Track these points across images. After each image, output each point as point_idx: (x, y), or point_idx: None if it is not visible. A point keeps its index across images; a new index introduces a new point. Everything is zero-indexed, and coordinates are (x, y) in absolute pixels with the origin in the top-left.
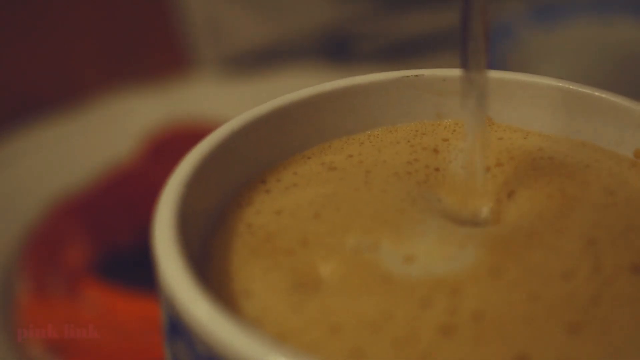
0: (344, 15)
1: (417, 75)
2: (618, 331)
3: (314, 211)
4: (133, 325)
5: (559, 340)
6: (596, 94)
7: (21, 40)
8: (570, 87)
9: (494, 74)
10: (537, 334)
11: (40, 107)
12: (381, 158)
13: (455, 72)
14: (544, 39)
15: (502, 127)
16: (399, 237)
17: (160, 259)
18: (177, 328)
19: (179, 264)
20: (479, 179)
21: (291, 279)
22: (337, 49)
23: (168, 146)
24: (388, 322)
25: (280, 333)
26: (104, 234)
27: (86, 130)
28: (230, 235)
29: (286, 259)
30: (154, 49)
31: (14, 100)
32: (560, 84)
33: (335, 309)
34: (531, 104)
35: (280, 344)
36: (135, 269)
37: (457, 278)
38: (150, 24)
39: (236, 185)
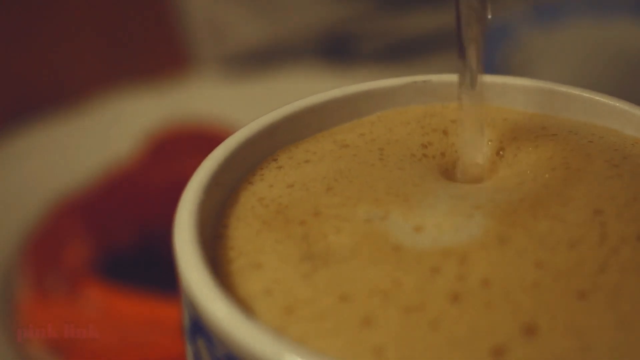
0: (344, 15)
1: (425, 81)
2: (626, 297)
3: (327, 184)
4: (133, 325)
5: (567, 307)
6: (596, 97)
7: (21, 40)
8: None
9: (497, 79)
10: (546, 301)
11: (40, 107)
12: (393, 137)
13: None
14: (544, 39)
15: (506, 109)
16: (409, 208)
17: (180, 261)
18: (198, 328)
19: (199, 265)
20: (483, 150)
21: (302, 249)
22: (337, 48)
23: (168, 146)
24: (397, 290)
25: (290, 303)
26: (104, 234)
27: (86, 130)
28: (242, 208)
29: (297, 229)
30: (154, 49)
31: (14, 100)
32: (563, 88)
33: (345, 277)
34: (533, 102)
35: (296, 344)
36: (135, 269)
37: (465, 247)
38: (150, 24)
39: (249, 166)
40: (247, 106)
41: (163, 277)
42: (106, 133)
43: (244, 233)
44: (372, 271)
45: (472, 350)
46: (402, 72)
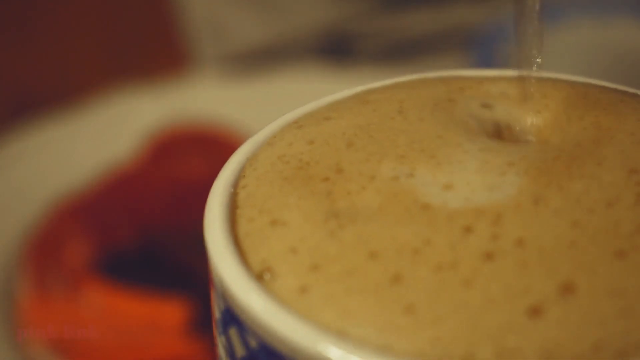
0: (344, 14)
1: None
2: None
3: (347, 140)
4: (134, 325)
5: (605, 266)
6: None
7: (21, 40)
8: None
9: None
10: (583, 261)
11: (41, 107)
12: (415, 92)
13: (471, 73)
14: (545, 40)
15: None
16: (436, 164)
17: (212, 254)
18: (230, 318)
19: (231, 257)
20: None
21: (326, 206)
22: (338, 48)
23: (168, 146)
24: (428, 249)
25: (317, 261)
26: (104, 234)
27: (86, 130)
28: (264, 166)
29: (320, 186)
30: (155, 49)
31: (14, 100)
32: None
33: (373, 235)
34: None
35: (328, 334)
36: (136, 269)
37: (498, 206)
38: (151, 24)
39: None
40: (247, 106)
41: (164, 276)
42: (106, 133)
43: (265, 190)
44: (400, 230)
45: (507, 308)
46: (403, 72)
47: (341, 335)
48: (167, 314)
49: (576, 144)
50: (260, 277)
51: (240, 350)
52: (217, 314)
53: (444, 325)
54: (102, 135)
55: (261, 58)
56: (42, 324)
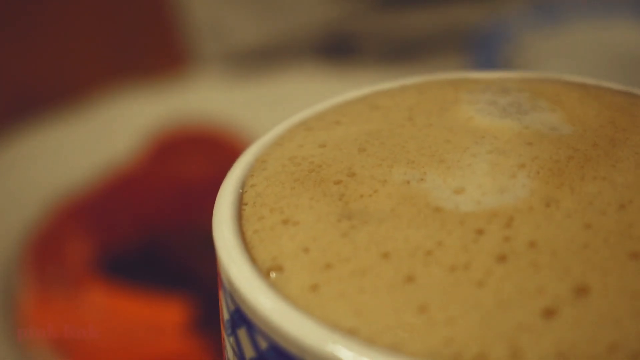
0: (344, 14)
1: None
2: None
3: (359, 145)
4: (136, 325)
5: (619, 268)
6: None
7: (21, 40)
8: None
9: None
10: (596, 263)
11: (42, 106)
12: (423, 97)
13: (477, 74)
14: (546, 41)
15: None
16: (446, 169)
17: (220, 251)
18: (239, 319)
19: (240, 256)
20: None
21: (339, 208)
22: (338, 47)
23: (170, 146)
24: (440, 250)
25: (329, 260)
26: (106, 234)
27: (87, 129)
28: (273, 166)
29: (333, 188)
30: (155, 49)
31: (15, 100)
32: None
33: (386, 237)
34: None
35: (339, 333)
36: (137, 269)
37: (510, 209)
38: (151, 23)
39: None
40: (248, 105)
41: (165, 276)
42: (107, 132)
43: (276, 190)
44: (413, 232)
45: (521, 309)
46: (404, 71)
47: (352, 335)
48: (168, 313)
49: (593, 143)
50: (269, 275)
51: (249, 351)
52: (225, 314)
53: (457, 325)
54: (103, 135)
55: (261, 57)
56: (43, 324)
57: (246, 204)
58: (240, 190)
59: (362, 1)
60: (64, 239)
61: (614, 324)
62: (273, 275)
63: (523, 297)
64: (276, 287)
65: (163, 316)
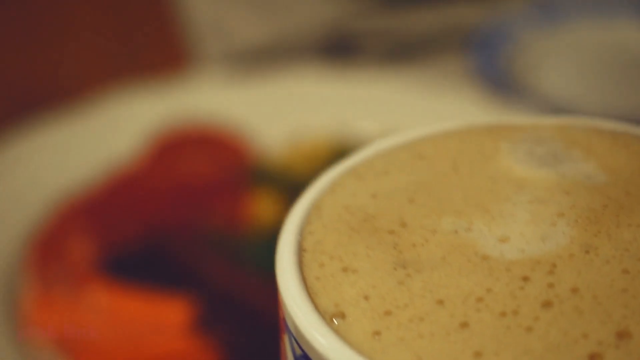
0: (346, 14)
1: None
2: None
3: (408, 196)
4: (138, 324)
5: None
6: None
7: (21, 40)
8: None
9: None
10: (635, 307)
11: (43, 106)
12: (465, 147)
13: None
14: (547, 41)
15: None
16: (491, 218)
17: (285, 297)
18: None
19: (305, 303)
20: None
21: (394, 256)
22: (340, 47)
23: (172, 145)
24: (490, 297)
25: (388, 307)
26: (108, 233)
27: (89, 129)
28: (328, 215)
29: (387, 237)
30: (156, 48)
31: (15, 100)
32: None
33: (439, 284)
34: None
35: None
36: (140, 268)
37: (552, 256)
38: (152, 23)
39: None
40: (250, 105)
41: (167, 276)
42: (109, 132)
43: (334, 238)
44: (464, 279)
45: (569, 354)
46: (405, 71)
47: None
48: (170, 313)
49: (626, 192)
50: (333, 321)
51: None
52: (290, 358)
53: None
54: (105, 135)
55: (263, 57)
56: (45, 323)
57: (305, 251)
58: (299, 237)
59: (363, 1)
60: (67, 238)
61: None
62: (337, 321)
63: (569, 342)
64: (340, 333)
65: (165, 316)
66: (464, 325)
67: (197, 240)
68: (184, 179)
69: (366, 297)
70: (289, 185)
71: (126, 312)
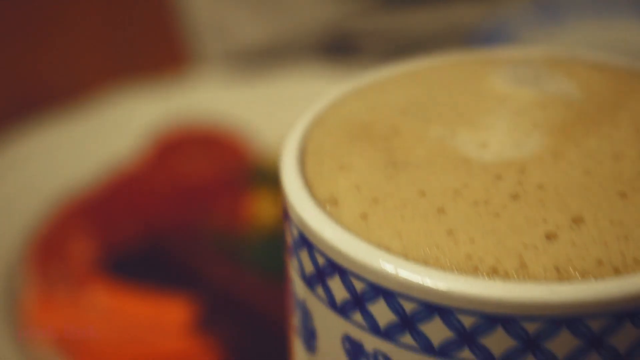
0: (347, 13)
1: None
2: None
3: (402, 109)
4: (139, 324)
5: (609, 204)
6: None
7: (21, 40)
8: None
9: None
10: (591, 200)
11: (43, 106)
12: (459, 71)
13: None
14: (546, 39)
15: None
16: (474, 127)
17: (287, 188)
18: (302, 242)
19: (303, 191)
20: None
21: (385, 158)
22: (340, 47)
23: (173, 146)
24: (466, 190)
25: (376, 195)
26: (109, 233)
27: (89, 129)
28: (329, 124)
29: (380, 143)
30: (156, 48)
31: (15, 100)
32: None
33: (423, 179)
34: None
35: (383, 251)
36: (140, 268)
37: (524, 160)
38: (152, 23)
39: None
40: (251, 105)
41: (168, 276)
42: (110, 132)
43: (333, 142)
44: (445, 175)
45: (529, 233)
46: None
47: (393, 252)
48: (171, 313)
49: (598, 108)
50: (327, 207)
51: (309, 268)
52: (290, 241)
53: (477, 244)
54: (105, 135)
55: (263, 57)
56: (46, 323)
57: (307, 152)
58: (302, 142)
59: (363, 1)
60: (67, 238)
61: (602, 246)
62: (330, 207)
63: (530, 225)
64: (333, 216)
65: (166, 316)
66: (441, 210)
67: (197, 240)
68: (184, 179)
69: (357, 188)
70: None
71: (127, 312)
